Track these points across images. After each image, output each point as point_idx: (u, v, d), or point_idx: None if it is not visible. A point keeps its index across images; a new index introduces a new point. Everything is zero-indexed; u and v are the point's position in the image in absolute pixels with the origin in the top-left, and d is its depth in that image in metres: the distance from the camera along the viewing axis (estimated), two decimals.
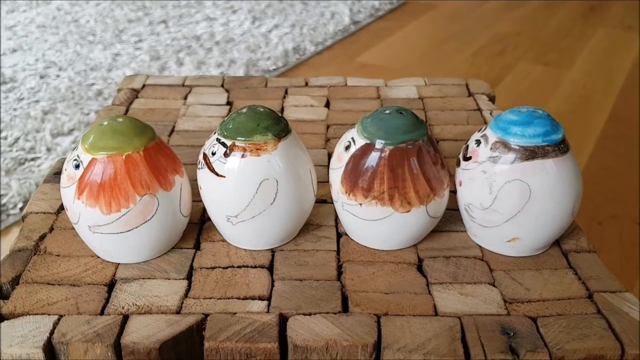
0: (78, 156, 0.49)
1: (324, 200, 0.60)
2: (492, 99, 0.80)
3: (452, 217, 0.58)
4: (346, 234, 0.56)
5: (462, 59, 1.89)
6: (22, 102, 1.47)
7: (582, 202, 0.53)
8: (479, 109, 0.77)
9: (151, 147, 0.50)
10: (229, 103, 0.79)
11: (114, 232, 0.50)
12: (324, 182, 0.62)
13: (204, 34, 1.91)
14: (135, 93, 0.81)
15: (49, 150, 1.27)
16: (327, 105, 0.79)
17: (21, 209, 1.10)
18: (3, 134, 1.32)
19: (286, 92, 0.82)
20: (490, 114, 0.75)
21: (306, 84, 0.84)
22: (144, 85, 0.83)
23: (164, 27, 1.96)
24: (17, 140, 1.30)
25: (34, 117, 1.39)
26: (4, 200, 1.11)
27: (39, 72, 1.63)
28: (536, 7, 2.36)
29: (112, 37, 1.87)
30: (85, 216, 0.49)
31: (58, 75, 1.61)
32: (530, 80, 1.76)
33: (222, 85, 0.83)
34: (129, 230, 0.50)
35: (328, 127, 0.74)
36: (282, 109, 0.78)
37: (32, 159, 1.25)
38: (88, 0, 2.17)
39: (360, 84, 0.84)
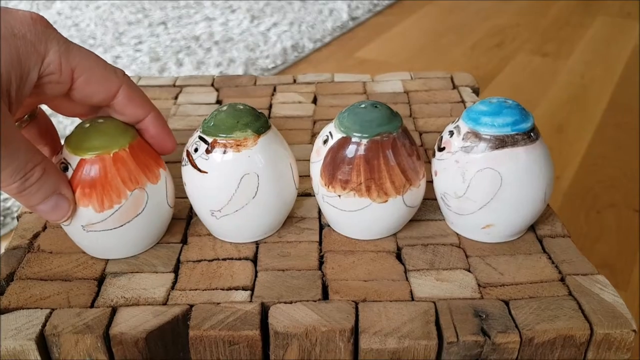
0: (65, 159, 0.51)
1: (308, 193, 0.62)
2: (475, 91, 0.81)
3: (431, 207, 0.59)
4: (329, 226, 0.58)
5: (461, 51, 1.89)
6: None
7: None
8: (463, 101, 0.78)
9: (135, 144, 0.52)
10: (218, 102, 0.81)
11: (108, 229, 0.51)
12: (309, 176, 0.63)
13: (203, 34, 1.93)
14: None
15: None
16: (315, 101, 0.81)
17: None
18: None
19: (275, 90, 0.83)
20: None
21: (294, 81, 0.86)
22: None
23: (163, 29, 1.98)
24: None
25: None
26: (8, 204, 1.14)
27: None
28: None
29: (113, 39, 1.90)
30: (78, 216, 0.51)
31: None
32: (529, 71, 1.77)
33: (212, 85, 0.85)
34: (122, 225, 0.51)
35: (315, 122, 0.75)
36: (271, 106, 0.79)
37: None
38: (88, 4, 2.19)
39: (347, 79, 0.86)
